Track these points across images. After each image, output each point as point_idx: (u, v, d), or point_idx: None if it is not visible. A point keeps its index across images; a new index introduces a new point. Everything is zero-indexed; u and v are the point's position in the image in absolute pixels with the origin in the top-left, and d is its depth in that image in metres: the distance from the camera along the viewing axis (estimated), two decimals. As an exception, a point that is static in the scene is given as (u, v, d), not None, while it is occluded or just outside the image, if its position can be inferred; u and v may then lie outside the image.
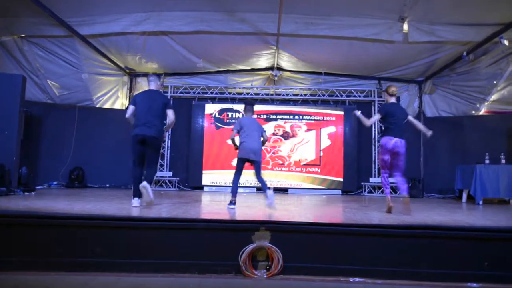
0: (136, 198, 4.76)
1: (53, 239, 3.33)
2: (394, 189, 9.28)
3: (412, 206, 6.05)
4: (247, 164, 5.18)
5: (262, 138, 5.29)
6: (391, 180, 5.14)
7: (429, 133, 5.10)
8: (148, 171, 4.93)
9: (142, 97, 5.02)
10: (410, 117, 5.16)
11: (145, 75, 9.87)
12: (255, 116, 5.72)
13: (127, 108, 5.65)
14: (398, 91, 9.89)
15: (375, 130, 9.76)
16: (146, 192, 4.65)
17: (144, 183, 4.68)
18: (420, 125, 5.24)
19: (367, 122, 5.12)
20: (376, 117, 5.19)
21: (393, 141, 4.87)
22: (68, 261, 3.25)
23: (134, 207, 4.63)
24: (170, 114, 5.04)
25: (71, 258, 3.26)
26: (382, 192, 9.30)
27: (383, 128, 5.08)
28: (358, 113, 5.23)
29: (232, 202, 4.99)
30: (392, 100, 5.15)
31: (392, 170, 5.05)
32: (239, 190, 5.44)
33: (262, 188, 5.08)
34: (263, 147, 5.37)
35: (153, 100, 4.95)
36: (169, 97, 9.74)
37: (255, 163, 5.09)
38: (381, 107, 5.22)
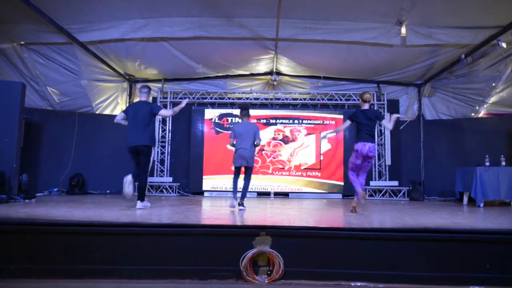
0: (130, 175, 5.14)
1: (53, 246, 3.32)
2: (395, 193, 9.35)
3: (413, 209, 6.07)
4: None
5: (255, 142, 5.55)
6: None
7: (395, 116, 5.44)
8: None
9: (132, 107, 5.60)
10: (383, 121, 5.46)
11: (145, 81, 9.91)
12: (254, 120, 6.08)
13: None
14: (397, 94, 9.97)
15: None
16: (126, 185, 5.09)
17: (138, 204, 5.25)
18: (389, 125, 5.45)
19: (339, 129, 5.65)
20: (347, 123, 5.55)
21: (367, 147, 5.19)
22: (68, 268, 3.24)
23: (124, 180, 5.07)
24: (163, 113, 5.57)
25: (71, 265, 3.25)
26: (383, 195, 9.31)
27: (356, 133, 5.40)
28: (323, 134, 5.95)
29: (234, 199, 5.46)
30: (365, 106, 5.42)
31: (360, 171, 5.41)
32: (238, 194, 5.59)
33: (241, 193, 5.52)
34: (258, 148, 5.67)
35: (139, 111, 5.41)
36: (168, 103, 9.80)
37: (246, 168, 5.51)
38: (352, 113, 5.51)
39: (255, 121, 9.49)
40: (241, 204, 5.43)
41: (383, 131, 9.66)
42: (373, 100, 9.75)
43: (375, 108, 9.65)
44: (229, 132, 9.34)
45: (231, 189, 5.68)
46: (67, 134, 9.17)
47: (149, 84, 9.86)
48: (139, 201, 5.27)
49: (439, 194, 9.18)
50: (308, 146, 9.63)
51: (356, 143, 5.31)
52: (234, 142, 5.50)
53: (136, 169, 5.33)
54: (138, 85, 5.75)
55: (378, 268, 3.23)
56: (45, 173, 8.85)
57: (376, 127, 5.39)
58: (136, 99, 9.98)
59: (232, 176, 5.70)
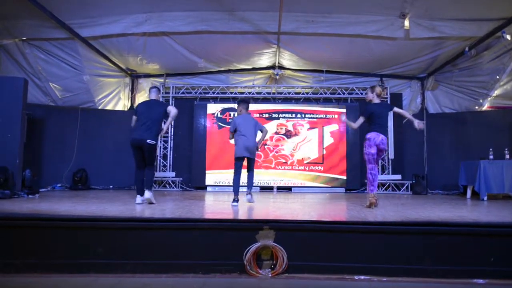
0: (138, 196, 5.21)
1: (56, 241, 3.33)
2: (398, 187, 9.30)
3: (416, 203, 6.05)
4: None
5: (261, 133, 5.52)
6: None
7: (420, 124, 5.04)
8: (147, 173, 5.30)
9: (142, 106, 5.46)
10: (395, 108, 5.33)
11: (147, 76, 9.91)
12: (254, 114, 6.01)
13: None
14: (400, 87, 9.91)
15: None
16: (150, 198, 5.13)
17: (146, 193, 5.11)
18: (407, 115, 5.33)
19: (354, 125, 5.27)
20: (361, 120, 5.21)
21: (380, 138, 5.05)
22: (71, 262, 3.25)
23: (137, 204, 5.08)
24: (171, 109, 5.41)
25: (75, 259, 3.26)
26: (386, 189, 9.28)
27: (368, 125, 5.19)
28: (344, 118, 5.61)
29: (235, 200, 5.20)
30: (377, 100, 5.29)
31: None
32: (243, 189, 5.52)
33: (247, 184, 5.45)
34: (266, 137, 5.60)
35: (153, 109, 5.35)
36: (170, 98, 9.79)
37: (249, 160, 5.39)
38: (365, 109, 5.25)
39: (257, 115, 9.48)
40: (249, 193, 5.43)
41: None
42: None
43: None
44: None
45: (231, 185, 5.45)
46: (70, 129, 9.18)
47: (151, 79, 9.94)
48: (147, 190, 5.10)
49: (443, 188, 9.14)
50: (310, 140, 9.60)
51: (368, 133, 5.11)
52: (234, 134, 5.42)
53: (141, 164, 5.24)
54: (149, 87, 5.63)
55: (381, 262, 3.23)
56: (48, 168, 8.86)
57: (388, 120, 5.23)
58: (139, 95, 10.00)
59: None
